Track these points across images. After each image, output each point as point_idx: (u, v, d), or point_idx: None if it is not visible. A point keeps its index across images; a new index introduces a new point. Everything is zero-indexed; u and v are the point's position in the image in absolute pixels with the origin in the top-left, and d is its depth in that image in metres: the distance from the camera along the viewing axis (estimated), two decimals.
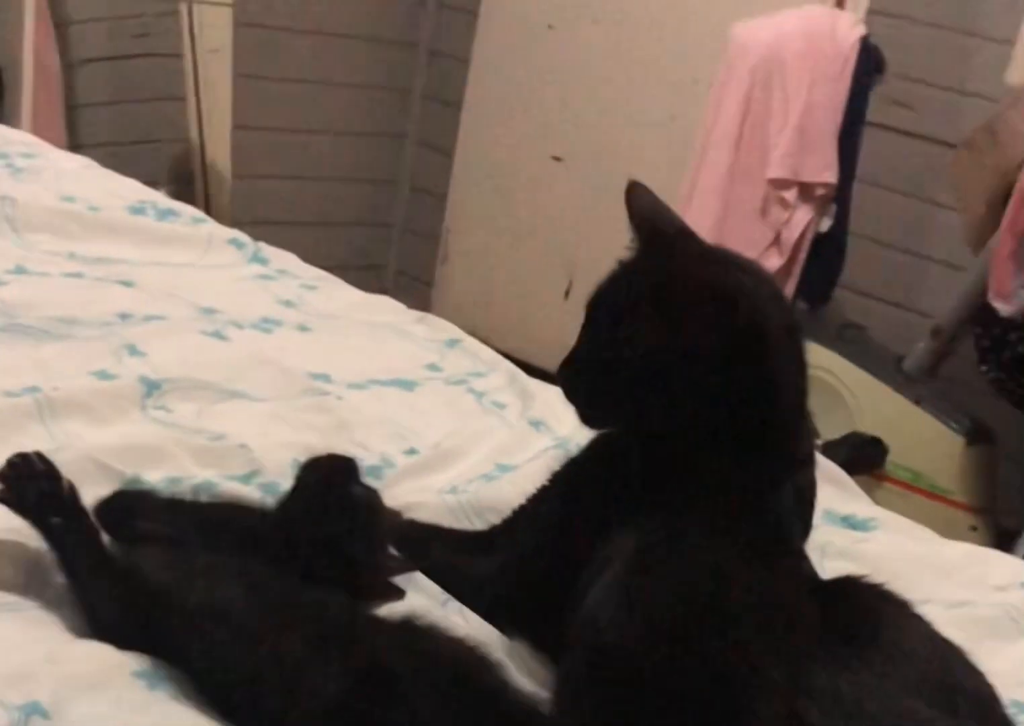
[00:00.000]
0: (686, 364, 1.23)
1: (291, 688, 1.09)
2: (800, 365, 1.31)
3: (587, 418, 1.33)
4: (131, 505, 1.33)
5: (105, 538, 1.27)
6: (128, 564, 1.24)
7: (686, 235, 1.34)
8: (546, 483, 1.42)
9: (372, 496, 1.35)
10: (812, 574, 1.30)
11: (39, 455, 1.28)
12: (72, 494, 1.26)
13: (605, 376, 1.28)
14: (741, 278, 1.26)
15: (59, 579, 1.26)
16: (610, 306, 1.30)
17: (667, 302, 1.25)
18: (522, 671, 1.30)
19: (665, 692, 1.12)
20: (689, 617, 1.16)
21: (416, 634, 1.18)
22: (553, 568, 1.32)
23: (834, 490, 1.79)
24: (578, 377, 1.32)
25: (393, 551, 1.36)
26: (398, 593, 1.31)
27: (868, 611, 1.22)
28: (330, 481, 1.33)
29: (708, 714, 1.10)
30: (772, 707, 1.09)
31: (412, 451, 1.71)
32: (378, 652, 1.13)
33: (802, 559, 1.31)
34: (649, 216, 1.33)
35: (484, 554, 1.41)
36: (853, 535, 1.72)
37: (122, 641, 1.18)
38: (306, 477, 1.35)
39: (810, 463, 1.38)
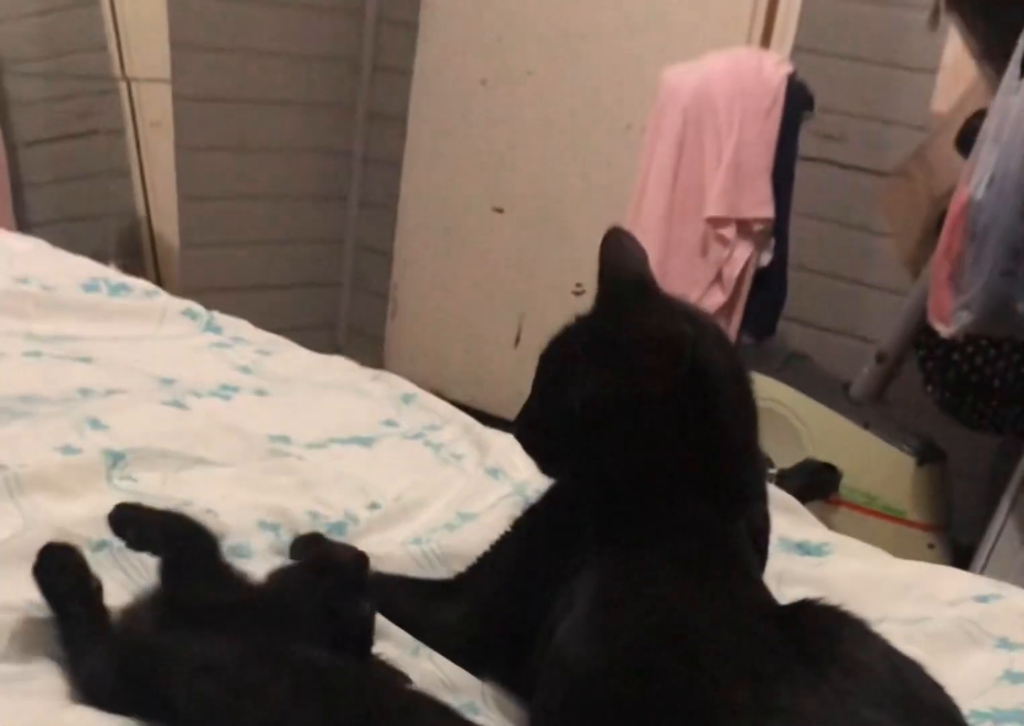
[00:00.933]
0: (634, 411, 1.27)
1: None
2: (747, 404, 1.34)
3: (546, 468, 1.37)
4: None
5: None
6: (127, 629, 1.27)
7: (641, 286, 1.36)
8: (508, 530, 1.46)
9: (372, 612, 1.34)
10: (770, 601, 1.34)
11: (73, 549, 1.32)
12: (98, 590, 1.30)
13: (558, 427, 1.32)
14: (682, 324, 1.29)
15: (46, 649, 1.28)
16: (560, 357, 1.34)
17: (612, 351, 1.29)
18: (495, 712, 1.34)
19: (635, 720, 1.16)
20: (653, 647, 1.19)
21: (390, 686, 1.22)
22: (519, 611, 1.35)
23: (787, 518, 1.82)
24: (533, 430, 1.36)
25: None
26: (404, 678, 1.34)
27: (826, 632, 1.23)
28: (341, 594, 1.31)
29: None
30: None
31: (374, 506, 1.73)
32: (353, 702, 1.16)
33: (760, 588, 1.35)
34: (611, 268, 1.37)
35: (452, 601, 1.44)
36: (808, 560, 1.76)
37: (112, 702, 1.21)
38: (317, 580, 1.32)
39: (763, 497, 1.42)
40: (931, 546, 3.11)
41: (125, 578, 1.44)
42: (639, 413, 1.27)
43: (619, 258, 1.38)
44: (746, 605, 1.28)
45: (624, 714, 1.16)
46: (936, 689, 1.23)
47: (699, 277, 3.24)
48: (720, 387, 1.29)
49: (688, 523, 1.30)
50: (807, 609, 1.28)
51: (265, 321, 2.44)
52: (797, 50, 3.47)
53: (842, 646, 1.22)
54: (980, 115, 2.74)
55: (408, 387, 2.17)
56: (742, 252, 3.26)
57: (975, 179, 2.65)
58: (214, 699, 1.16)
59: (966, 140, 2.78)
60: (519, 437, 1.37)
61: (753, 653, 1.20)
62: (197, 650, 1.20)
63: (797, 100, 3.26)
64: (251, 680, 1.17)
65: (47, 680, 1.25)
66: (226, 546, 1.54)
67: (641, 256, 1.40)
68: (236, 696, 1.16)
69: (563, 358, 1.33)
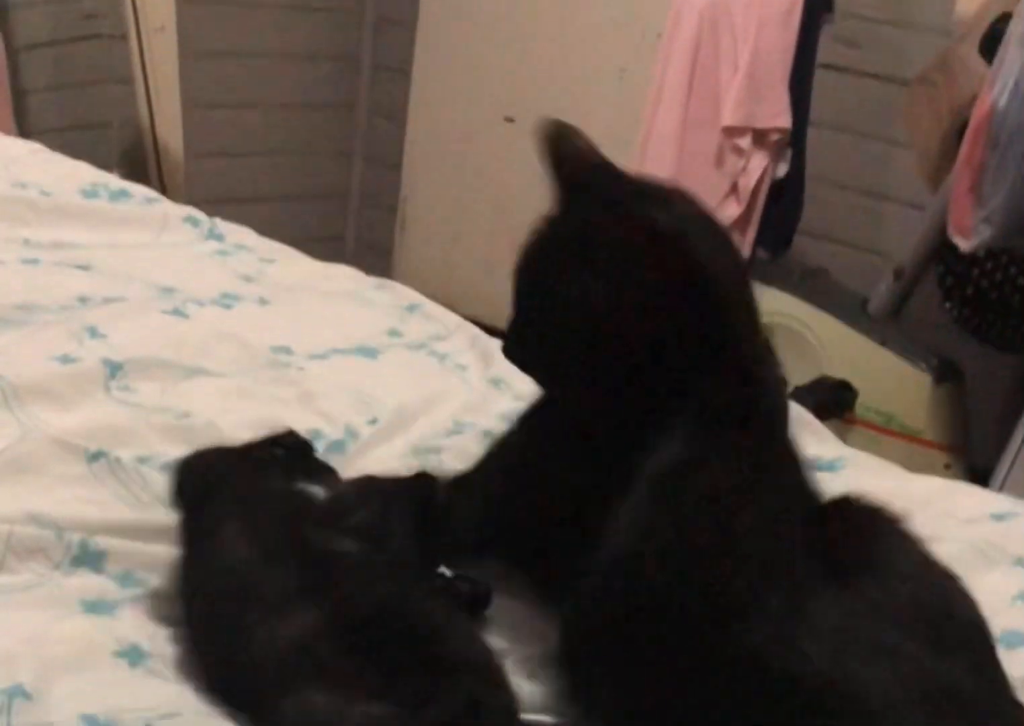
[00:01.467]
0: (624, 313, 1.18)
1: (276, 613, 1.13)
2: (743, 285, 1.24)
3: (544, 385, 1.30)
4: None
5: None
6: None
7: (606, 173, 1.26)
8: (512, 428, 1.40)
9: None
10: (815, 491, 1.28)
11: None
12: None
13: (550, 343, 1.24)
14: (660, 213, 1.18)
15: (41, 558, 1.29)
16: (536, 267, 1.25)
17: (588, 251, 1.19)
18: (504, 625, 1.31)
19: (668, 615, 1.13)
20: (698, 543, 1.14)
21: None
22: (527, 508, 1.30)
23: (800, 432, 1.79)
24: (523, 350, 1.28)
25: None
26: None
27: (864, 533, 1.22)
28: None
29: (705, 636, 1.12)
30: (767, 632, 1.10)
31: (375, 420, 1.70)
32: (357, 594, 1.15)
33: (804, 478, 1.27)
34: (565, 158, 1.26)
35: (457, 498, 1.39)
36: (821, 476, 1.72)
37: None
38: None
39: (781, 384, 1.30)
40: (947, 466, 3.09)
41: (123, 491, 1.44)
42: (629, 315, 1.18)
43: (571, 147, 1.27)
44: (791, 501, 1.22)
45: (657, 608, 1.13)
46: (969, 602, 1.21)
47: (714, 188, 3.20)
48: (713, 273, 1.18)
49: (708, 416, 1.20)
50: (847, 507, 1.26)
51: (270, 233, 2.41)
52: None
53: (878, 552, 1.20)
54: (1005, 19, 2.68)
55: (413, 296, 2.15)
56: (758, 163, 3.22)
57: (999, 86, 2.61)
58: (235, 562, 1.18)
59: (990, 45, 2.72)
60: (510, 357, 1.29)
61: (791, 556, 1.16)
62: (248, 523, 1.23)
63: (816, 4, 3.20)
64: (277, 557, 1.18)
65: (44, 591, 1.26)
66: None
67: (591, 144, 1.28)
68: (254, 566, 1.17)
69: (539, 267, 1.25)
